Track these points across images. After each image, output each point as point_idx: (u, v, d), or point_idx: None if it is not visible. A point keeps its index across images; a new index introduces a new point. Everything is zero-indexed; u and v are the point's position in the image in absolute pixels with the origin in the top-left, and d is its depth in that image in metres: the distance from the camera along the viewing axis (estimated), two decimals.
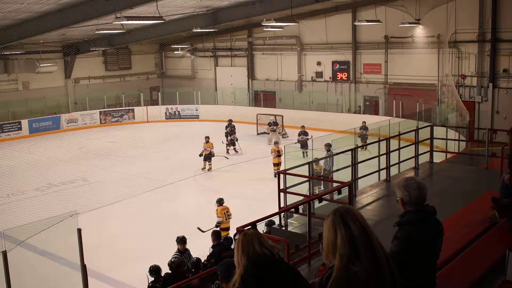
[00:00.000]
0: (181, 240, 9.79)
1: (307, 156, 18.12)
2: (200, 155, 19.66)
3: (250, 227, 6.30)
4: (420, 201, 3.52)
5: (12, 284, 6.93)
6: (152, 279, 8.59)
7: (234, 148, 22.72)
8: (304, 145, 19.31)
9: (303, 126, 22.21)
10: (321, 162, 14.29)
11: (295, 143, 20.58)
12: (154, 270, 8.63)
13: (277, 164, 18.11)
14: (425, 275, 3.65)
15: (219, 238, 9.52)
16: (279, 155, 17.98)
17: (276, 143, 18.59)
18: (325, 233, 2.65)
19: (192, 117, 32.12)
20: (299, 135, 21.84)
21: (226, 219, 12.42)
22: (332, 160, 13.39)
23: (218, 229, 11.10)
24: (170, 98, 32.99)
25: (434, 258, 3.71)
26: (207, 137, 19.77)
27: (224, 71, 34.32)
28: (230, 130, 22.88)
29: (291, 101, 29.65)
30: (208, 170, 19.84)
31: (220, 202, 12.63)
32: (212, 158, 19.81)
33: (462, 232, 6.46)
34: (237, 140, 22.70)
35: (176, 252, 9.71)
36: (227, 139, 22.95)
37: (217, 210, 12.53)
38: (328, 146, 14.81)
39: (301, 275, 3.18)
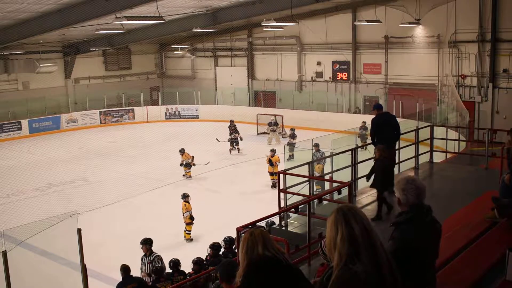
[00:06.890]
0: (146, 242, 9.70)
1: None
2: (181, 164, 18.94)
3: (249, 227, 6.31)
4: (416, 203, 3.53)
5: (12, 284, 6.93)
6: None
7: (238, 148, 22.76)
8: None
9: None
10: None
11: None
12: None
13: (271, 174, 17.13)
14: (424, 274, 3.65)
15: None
16: (271, 164, 17.08)
17: (272, 150, 17.46)
18: (327, 230, 2.67)
19: (192, 117, 32.12)
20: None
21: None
22: (331, 160, 13.36)
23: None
24: (170, 98, 32.96)
25: (432, 257, 3.70)
26: (182, 150, 18.89)
27: (224, 71, 34.29)
28: (232, 129, 22.91)
29: (291, 101, 29.63)
30: (188, 178, 19.00)
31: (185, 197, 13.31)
32: (191, 166, 18.95)
33: (462, 232, 6.46)
34: (241, 139, 22.72)
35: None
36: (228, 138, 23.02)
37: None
38: (317, 146, 14.94)
39: (305, 279, 3.16)
